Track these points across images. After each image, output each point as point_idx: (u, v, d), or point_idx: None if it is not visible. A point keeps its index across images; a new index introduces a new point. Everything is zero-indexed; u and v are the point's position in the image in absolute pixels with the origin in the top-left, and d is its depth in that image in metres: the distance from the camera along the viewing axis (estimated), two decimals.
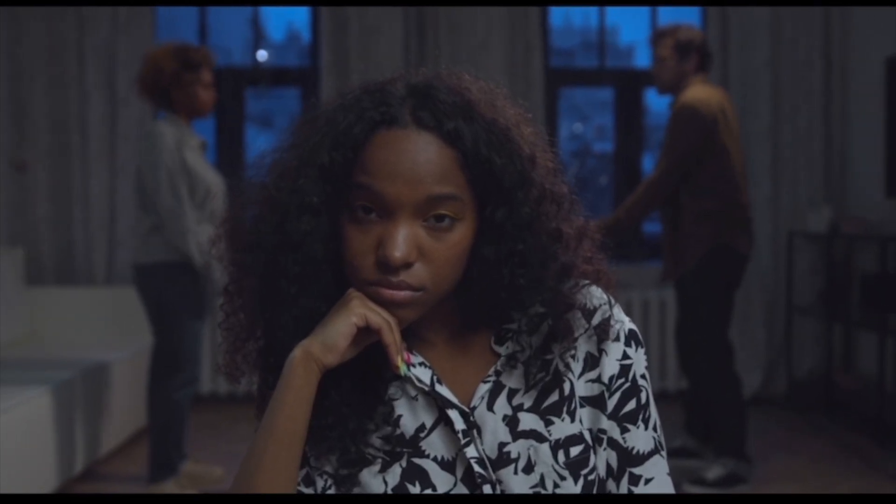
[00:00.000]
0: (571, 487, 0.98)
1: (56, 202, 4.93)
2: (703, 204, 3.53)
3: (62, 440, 3.38)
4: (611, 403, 1.02)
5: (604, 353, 1.02)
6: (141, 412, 4.01)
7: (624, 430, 1.02)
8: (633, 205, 3.58)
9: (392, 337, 0.95)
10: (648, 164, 5.56)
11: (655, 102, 6.06)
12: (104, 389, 3.80)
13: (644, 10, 5.43)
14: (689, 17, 5.09)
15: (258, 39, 5.90)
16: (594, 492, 1.00)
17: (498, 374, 1.01)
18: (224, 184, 3.52)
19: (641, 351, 1.04)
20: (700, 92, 3.56)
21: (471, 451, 0.98)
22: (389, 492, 0.99)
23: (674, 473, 1.05)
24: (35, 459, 3.18)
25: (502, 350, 1.02)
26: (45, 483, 3.25)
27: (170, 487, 3.40)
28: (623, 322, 1.04)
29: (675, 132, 3.53)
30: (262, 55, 6.04)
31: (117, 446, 4.00)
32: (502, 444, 0.99)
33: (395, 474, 0.99)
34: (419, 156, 0.93)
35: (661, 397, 4.69)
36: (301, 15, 5.62)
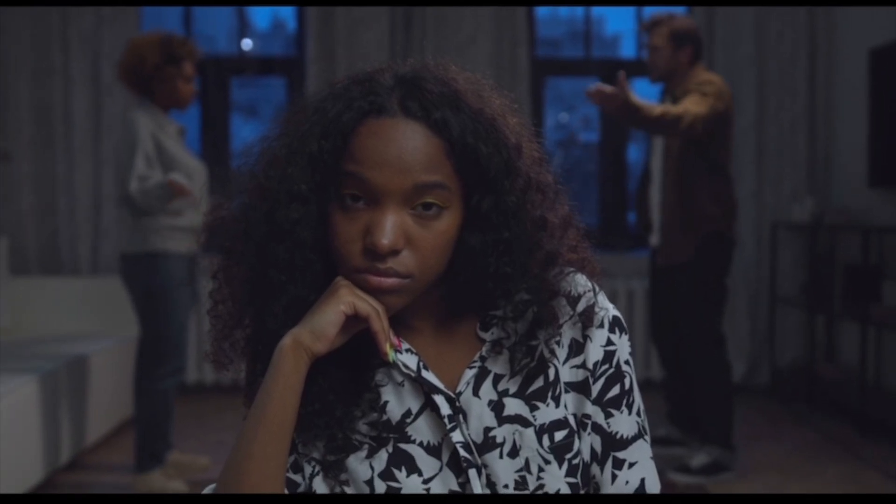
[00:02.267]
0: (556, 471, 1.00)
1: (40, 192, 4.92)
2: (717, 187, 3.55)
3: (48, 430, 3.38)
4: (595, 389, 1.03)
5: (588, 340, 1.03)
6: (127, 402, 4.01)
7: (608, 415, 1.03)
8: (657, 114, 3.28)
9: (380, 324, 0.96)
10: (634, 153, 5.58)
11: (642, 92, 6.07)
12: (89, 379, 3.79)
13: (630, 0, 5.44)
14: (675, 7, 5.10)
15: (243, 28, 5.88)
16: (578, 475, 1.02)
17: (483, 359, 1.03)
18: (206, 170, 3.52)
19: (625, 337, 1.06)
20: (715, 75, 3.62)
21: (456, 436, 0.99)
22: (376, 477, 1.00)
23: (658, 461, 1.07)
24: (21, 450, 3.18)
25: (487, 336, 1.03)
26: (32, 473, 3.24)
27: (156, 477, 3.40)
28: (607, 309, 1.05)
29: (707, 91, 3.43)
30: (247, 44, 6.02)
31: (103, 436, 3.99)
32: (488, 429, 1.00)
33: (381, 460, 1.00)
34: (407, 144, 0.94)
35: (646, 386, 4.72)
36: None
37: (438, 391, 1.01)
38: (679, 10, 5.24)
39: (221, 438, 4.06)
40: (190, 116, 4.24)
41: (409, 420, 1.01)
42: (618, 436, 1.03)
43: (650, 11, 5.19)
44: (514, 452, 1.00)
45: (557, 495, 1.00)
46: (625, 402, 1.04)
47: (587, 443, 1.03)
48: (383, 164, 0.93)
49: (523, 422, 1.01)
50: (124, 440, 3.98)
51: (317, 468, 1.02)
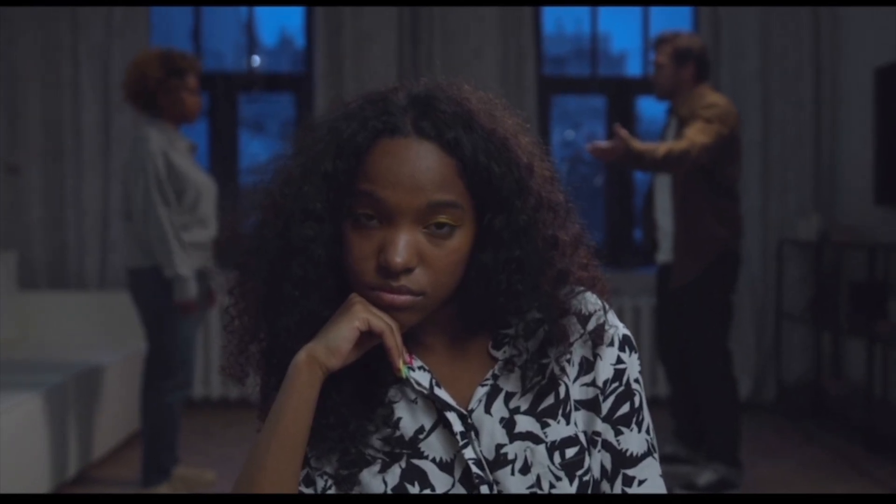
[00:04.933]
0: (567, 488, 1.01)
1: (49, 205, 4.94)
2: (723, 207, 3.54)
3: (55, 444, 3.38)
4: (605, 406, 1.04)
5: (598, 358, 1.04)
6: (133, 416, 4.01)
7: (618, 433, 1.04)
8: (662, 154, 3.24)
9: (394, 340, 0.97)
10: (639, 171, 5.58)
11: (648, 110, 6.10)
12: (97, 393, 3.80)
13: (636, 19, 5.47)
14: (680, 26, 5.13)
15: (251, 44, 5.92)
16: (589, 492, 1.03)
17: (495, 377, 1.04)
18: (216, 187, 3.54)
19: (635, 356, 1.07)
20: (721, 97, 3.62)
21: (469, 453, 1.00)
22: (389, 492, 1.01)
23: (665, 479, 1.07)
24: (28, 463, 3.19)
25: (499, 354, 1.04)
26: (38, 487, 3.25)
27: (163, 491, 3.41)
28: (617, 327, 1.06)
29: (711, 116, 3.43)
30: (255, 60, 6.05)
31: (110, 450, 4.00)
32: (499, 446, 1.01)
33: (394, 475, 1.01)
34: (420, 164, 0.95)
35: (652, 403, 4.66)
36: (294, 20, 5.64)
37: (451, 408, 1.02)
38: (685, 20, 5.29)
39: (228, 453, 4.06)
40: (198, 132, 4.28)
41: (422, 436, 1.02)
42: (627, 453, 1.04)
43: (657, 23, 5.24)
44: (525, 469, 1.01)
45: (559, 496, 1.01)
46: (634, 419, 1.05)
47: (597, 460, 1.04)
48: (397, 183, 0.95)
49: (534, 439, 1.02)
50: (131, 455, 3.98)
51: (329, 482, 1.03)
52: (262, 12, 5.67)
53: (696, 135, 3.36)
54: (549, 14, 5.62)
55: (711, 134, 3.38)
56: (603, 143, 3.22)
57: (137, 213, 3.29)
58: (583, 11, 5.62)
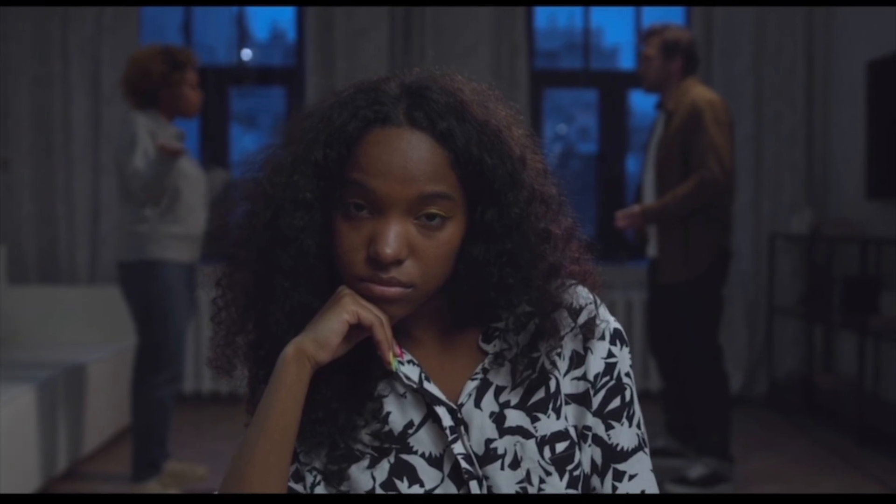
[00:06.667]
0: (557, 483, 1.00)
1: (39, 200, 4.92)
2: (716, 208, 3.53)
3: (45, 439, 3.37)
4: (596, 401, 1.03)
5: (589, 352, 1.03)
6: (124, 411, 3.99)
7: (608, 427, 1.03)
8: (687, 196, 3.43)
9: (384, 333, 0.96)
10: (633, 164, 5.59)
11: (640, 104, 6.10)
12: (87, 388, 3.79)
13: (628, 12, 5.46)
14: (673, 21, 5.12)
15: (242, 38, 5.89)
16: (579, 487, 1.02)
17: (485, 371, 1.03)
18: (204, 177, 3.53)
19: (626, 350, 1.06)
20: (710, 93, 3.61)
21: (458, 448, 0.99)
22: (378, 487, 1.00)
23: (656, 473, 1.07)
24: (17, 458, 3.17)
25: (490, 348, 1.03)
26: (28, 482, 3.23)
27: (153, 486, 3.39)
28: (608, 321, 1.05)
29: (712, 129, 3.44)
30: (246, 54, 6.03)
31: (100, 445, 3.98)
32: (489, 441, 1.00)
33: (383, 470, 1.00)
34: (412, 154, 0.94)
35: (644, 397, 4.67)
36: (286, 14, 5.62)
37: (440, 403, 1.01)
38: (677, 18, 5.28)
39: (218, 448, 4.05)
40: (189, 127, 4.25)
41: (411, 431, 1.01)
42: (618, 448, 1.03)
43: (649, 21, 5.22)
44: (515, 464, 1.00)
45: (557, 495, 1.00)
46: (625, 414, 1.04)
47: (588, 455, 1.03)
48: (387, 173, 0.94)
49: (524, 433, 1.01)
50: (121, 450, 3.96)
51: (318, 478, 1.02)
52: (254, 7, 5.64)
53: (700, 158, 3.42)
54: (542, 8, 5.60)
55: (719, 137, 3.42)
56: (623, 216, 3.60)
57: (128, 178, 3.26)
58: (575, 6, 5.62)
